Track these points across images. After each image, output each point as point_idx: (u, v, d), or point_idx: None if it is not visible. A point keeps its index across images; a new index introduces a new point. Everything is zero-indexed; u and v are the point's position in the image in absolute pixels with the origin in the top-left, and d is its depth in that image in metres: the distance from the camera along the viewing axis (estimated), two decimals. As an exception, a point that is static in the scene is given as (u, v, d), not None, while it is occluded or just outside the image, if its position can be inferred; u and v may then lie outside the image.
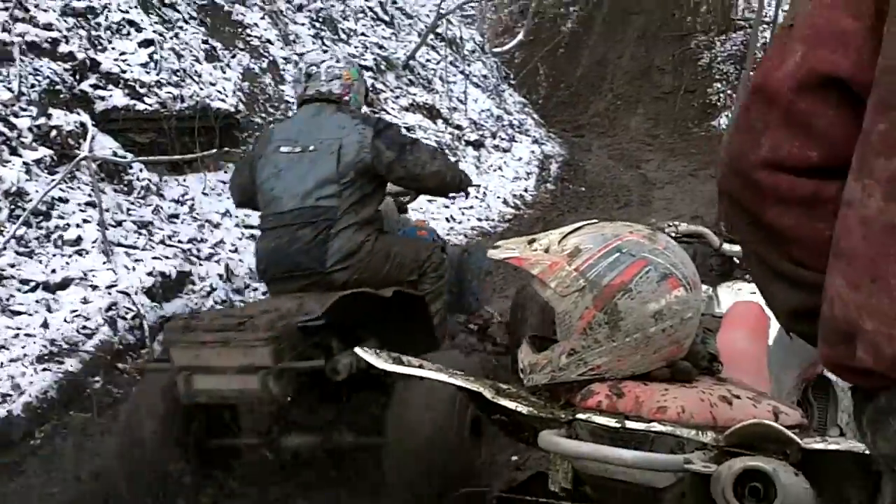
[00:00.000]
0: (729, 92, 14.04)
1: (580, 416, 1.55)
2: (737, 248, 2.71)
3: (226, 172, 6.27)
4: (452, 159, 7.78)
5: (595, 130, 14.41)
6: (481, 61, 13.02)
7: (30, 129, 4.97)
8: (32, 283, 4.28)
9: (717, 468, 1.36)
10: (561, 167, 11.32)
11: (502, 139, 10.97)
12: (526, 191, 9.81)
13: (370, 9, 10.86)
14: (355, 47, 9.83)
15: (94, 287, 4.48)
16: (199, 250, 5.37)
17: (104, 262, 4.65)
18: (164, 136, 5.89)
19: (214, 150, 5.77)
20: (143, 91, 5.98)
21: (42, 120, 5.07)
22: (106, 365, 4.19)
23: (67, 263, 4.52)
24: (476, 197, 7.98)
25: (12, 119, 4.94)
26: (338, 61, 3.79)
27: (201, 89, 6.49)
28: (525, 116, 12.81)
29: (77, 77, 5.63)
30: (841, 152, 0.96)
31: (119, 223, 5.03)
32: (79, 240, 4.67)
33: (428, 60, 11.28)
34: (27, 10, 5.54)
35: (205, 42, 7.07)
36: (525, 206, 9.32)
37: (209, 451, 3.15)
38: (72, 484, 3.39)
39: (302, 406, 3.22)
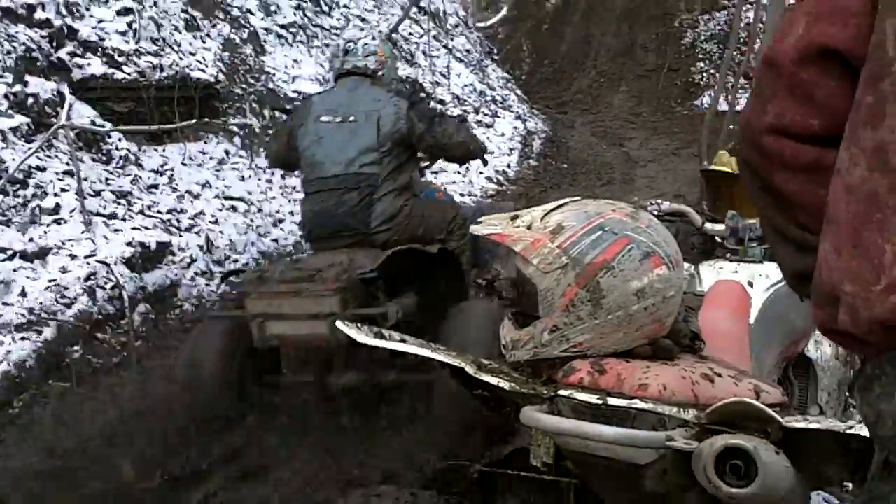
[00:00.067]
0: (712, 71, 14.04)
1: (562, 392, 1.56)
2: (719, 226, 2.72)
3: (206, 143, 6.22)
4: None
5: (578, 107, 14.38)
6: (465, 35, 12.95)
7: (6, 97, 4.89)
8: (10, 252, 4.23)
9: (698, 446, 1.37)
10: (544, 143, 11.31)
11: (485, 114, 10.94)
12: (509, 167, 9.78)
13: (353, -20, 10.75)
14: (337, 19, 9.72)
15: (73, 256, 4.44)
16: (178, 221, 5.33)
17: (83, 232, 4.60)
18: (144, 105, 5.82)
19: (194, 121, 5.71)
20: (121, 60, 5.90)
21: (18, 87, 4.98)
22: (85, 335, 4.17)
23: (45, 233, 4.47)
24: (458, 172, 7.94)
25: (-12, 86, 4.86)
26: (373, 38, 4.04)
27: (181, 59, 6.41)
28: (508, 92, 12.77)
29: (54, 44, 5.53)
30: (842, 122, 0.99)
31: (98, 193, 4.97)
32: (57, 208, 4.62)
33: (410, 34, 11.19)
34: (3, -25, 5.43)
35: (184, 11, 6.97)
36: (507, 182, 9.30)
37: (264, 388, 3.42)
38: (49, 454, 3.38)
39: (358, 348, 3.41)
